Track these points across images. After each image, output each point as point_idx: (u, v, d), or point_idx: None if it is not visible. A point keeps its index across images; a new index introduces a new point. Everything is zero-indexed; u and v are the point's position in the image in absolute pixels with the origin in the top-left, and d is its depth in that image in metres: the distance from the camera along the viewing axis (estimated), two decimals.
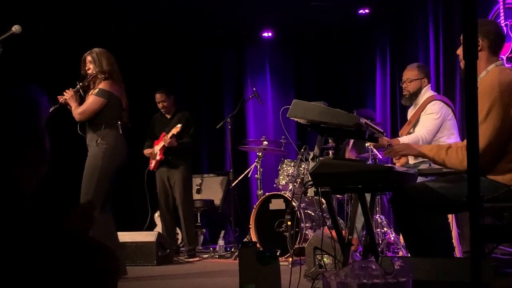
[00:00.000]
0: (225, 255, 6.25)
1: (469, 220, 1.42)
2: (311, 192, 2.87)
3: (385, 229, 5.30)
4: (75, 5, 7.12)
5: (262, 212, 5.80)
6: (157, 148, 6.36)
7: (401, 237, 5.00)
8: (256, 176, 6.32)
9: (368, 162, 4.68)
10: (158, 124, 6.54)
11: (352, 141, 5.79)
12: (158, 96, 6.48)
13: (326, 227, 3.68)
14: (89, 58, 4.61)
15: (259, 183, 6.26)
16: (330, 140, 5.46)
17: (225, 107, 8.52)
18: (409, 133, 4.49)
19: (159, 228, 6.64)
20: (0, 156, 1.18)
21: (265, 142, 6.30)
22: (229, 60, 8.79)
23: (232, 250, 6.17)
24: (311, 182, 2.81)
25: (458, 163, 2.81)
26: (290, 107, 2.87)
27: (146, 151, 6.44)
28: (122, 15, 7.61)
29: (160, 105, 6.51)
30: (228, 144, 6.65)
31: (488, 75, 2.87)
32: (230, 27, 8.30)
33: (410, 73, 4.60)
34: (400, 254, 5.11)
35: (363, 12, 7.79)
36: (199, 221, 7.22)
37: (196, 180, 7.45)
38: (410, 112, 4.64)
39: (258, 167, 6.30)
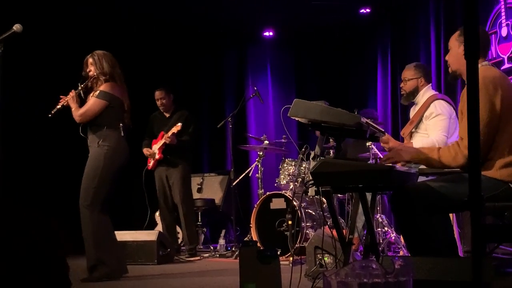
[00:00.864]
0: (226, 254, 6.25)
1: (471, 220, 1.42)
2: (312, 191, 2.86)
3: (385, 228, 5.30)
4: (76, 4, 7.13)
5: (263, 211, 5.81)
6: (156, 147, 6.36)
7: (401, 236, 5.00)
8: (257, 175, 6.32)
9: (369, 162, 4.68)
10: (157, 122, 6.54)
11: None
12: (157, 94, 6.48)
13: (327, 226, 3.68)
14: (90, 60, 4.62)
15: (260, 182, 6.26)
16: (331, 140, 5.46)
17: (226, 106, 8.53)
18: (411, 133, 4.48)
19: (159, 227, 6.64)
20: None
21: (266, 142, 6.30)
22: (230, 59, 8.80)
23: (233, 249, 6.17)
24: (312, 182, 2.81)
25: (451, 159, 2.82)
26: (291, 106, 2.87)
27: (145, 151, 6.43)
28: (123, 14, 7.61)
29: (159, 103, 6.50)
30: (229, 143, 6.65)
31: None
32: (231, 26, 8.30)
33: (407, 73, 4.61)
34: (401, 253, 5.12)
35: (364, 11, 7.79)
36: (200, 220, 7.22)
37: (197, 179, 7.45)
38: (412, 112, 4.64)
39: (259, 166, 6.30)
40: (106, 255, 4.40)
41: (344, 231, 3.11)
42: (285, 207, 5.60)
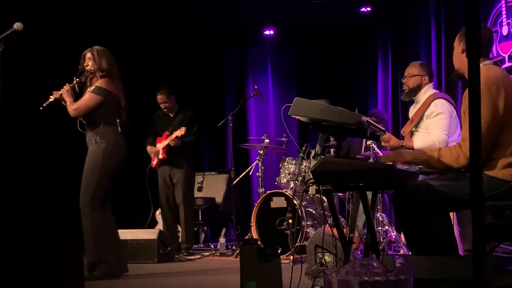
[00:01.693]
0: (226, 253, 6.26)
1: (472, 219, 1.42)
2: (312, 190, 2.86)
3: (386, 227, 5.30)
4: (77, 3, 7.12)
5: (263, 210, 5.81)
6: (160, 146, 6.36)
7: (402, 235, 5.01)
8: (257, 174, 6.32)
9: (369, 160, 4.68)
10: (161, 121, 6.54)
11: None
12: (159, 98, 6.48)
13: (327, 225, 3.68)
14: (88, 55, 4.59)
15: (260, 181, 6.26)
16: (331, 138, 5.46)
17: (226, 105, 8.53)
18: (412, 131, 4.48)
19: (160, 226, 6.65)
20: None
21: (267, 140, 6.30)
22: (231, 58, 8.80)
23: (233, 248, 6.17)
24: (312, 180, 2.81)
25: (453, 160, 2.82)
26: (291, 105, 2.87)
27: (149, 149, 6.44)
28: (124, 13, 7.61)
29: (162, 106, 6.51)
30: (229, 142, 6.65)
31: None
32: (232, 25, 8.29)
33: (412, 69, 4.60)
34: (401, 252, 5.12)
35: (365, 10, 7.78)
36: (200, 219, 7.23)
37: (198, 178, 7.45)
38: (412, 110, 4.64)
39: (260, 165, 6.30)
40: (106, 254, 4.40)
41: (344, 230, 3.11)
42: (286, 205, 5.60)
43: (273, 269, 3.11)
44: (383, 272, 1.94)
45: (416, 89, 4.54)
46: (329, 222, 4.32)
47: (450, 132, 4.33)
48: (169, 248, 5.75)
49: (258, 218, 5.82)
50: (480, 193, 1.40)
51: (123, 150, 4.58)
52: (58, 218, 1.15)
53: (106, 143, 4.46)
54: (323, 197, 3.81)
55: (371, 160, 4.66)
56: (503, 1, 5.66)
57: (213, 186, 7.50)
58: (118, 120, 4.56)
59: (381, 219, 5.29)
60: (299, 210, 5.37)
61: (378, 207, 5.30)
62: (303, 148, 5.35)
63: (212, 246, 6.67)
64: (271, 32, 8.63)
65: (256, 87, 6.67)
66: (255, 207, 5.87)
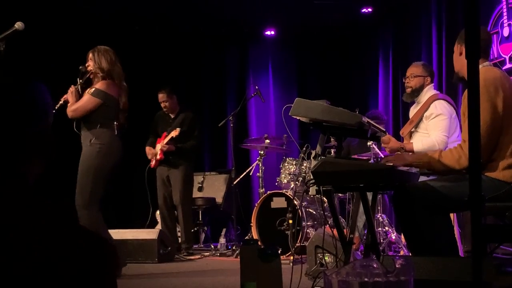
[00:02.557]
0: (227, 253, 6.26)
1: (471, 220, 1.42)
2: (312, 190, 2.86)
3: (386, 228, 5.30)
4: (79, 3, 7.13)
5: (263, 210, 5.81)
6: (158, 147, 6.37)
7: (402, 236, 5.00)
8: (258, 174, 6.32)
9: (370, 161, 4.68)
10: (162, 122, 6.55)
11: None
12: (160, 96, 6.48)
13: (328, 225, 3.68)
14: (90, 55, 4.60)
15: (260, 181, 6.27)
16: (332, 139, 5.46)
17: (227, 105, 8.53)
18: (411, 132, 4.48)
19: (160, 225, 6.65)
20: (9, 145, 1.20)
21: (267, 141, 6.30)
22: (232, 58, 8.80)
23: (234, 248, 6.18)
24: (312, 181, 2.81)
25: (455, 162, 2.82)
26: (292, 105, 2.87)
27: (147, 150, 6.44)
28: (125, 13, 7.61)
29: (162, 105, 6.51)
30: (230, 142, 6.65)
31: None
32: (233, 25, 8.30)
33: (415, 69, 4.59)
34: (402, 253, 5.12)
35: (366, 11, 7.79)
36: (200, 219, 7.23)
37: (198, 178, 7.45)
38: (412, 111, 4.64)
39: (260, 165, 6.30)
40: None
41: (344, 230, 3.11)
42: (286, 206, 5.60)
43: (273, 270, 3.11)
44: (383, 273, 1.94)
45: (419, 90, 4.54)
46: (329, 222, 4.32)
47: (449, 133, 4.33)
48: (169, 248, 5.75)
49: (259, 218, 5.83)
50: (479, 194, 1.41)
51: (117, 152, 4.57)
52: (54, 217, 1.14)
53: (100, 144, 4.45)
54: (324, 198, 3.82)
55: (371, 161, 4.67)
56: (504, 3, 5.65)
57: (213, 186, 7.50)
58: (115, 123, 4.55)
59: (381, 220, 5.29)
60: (299, 211, 5.38)
61: (379, 207, 5.30)
62: (304, 149, 5.35)
63: (212, 246, 6.67)
64: (272, 32, 8.63)
65: (257, 87, 6.67)
66: (255, 207, 5.87)
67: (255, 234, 5.79)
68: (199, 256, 6.15)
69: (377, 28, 8.12)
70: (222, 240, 6.60)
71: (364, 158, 5.22)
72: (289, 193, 5.66)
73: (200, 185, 7.49)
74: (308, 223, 5.53)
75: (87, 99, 4.50)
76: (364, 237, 4.65)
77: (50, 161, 1.30)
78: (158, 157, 6.34)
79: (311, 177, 2.79)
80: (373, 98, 8.14)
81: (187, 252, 6.24)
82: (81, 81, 4.60)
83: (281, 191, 5.77)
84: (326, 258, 4.03)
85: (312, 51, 8.79)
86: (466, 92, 2.65)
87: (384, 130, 3.18)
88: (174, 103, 6.52)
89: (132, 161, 4.81)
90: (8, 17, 4.29)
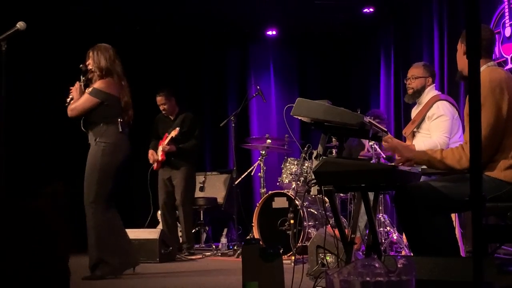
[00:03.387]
0: (228, 253, 6.26)
1: (472, 220, 1.42)
2: (314, 190, 2.87)
3: (388, 228, 5.30)
4: (79, 3, 7.13)
5: (265, 210, 5.81)
6: (160, 149, 6.37)
7: (404, 236, 5.00)
8: (259, 174, 6.32)
9: (371, 161, 4.68)
10: (162, 124, 6.55)
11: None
12: (158, 99, 6.48)
13: (329, 225, 3.68)
14: (90, 53, 4.58)
15: (262, 181, 6.26)
16: (333, 139, 5.46)
17: (228, 105, 8.53)
18: (413, 132, 4.48)
19: (161, 225, 6.65)
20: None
21: (269, 141, 6.30)
22: (233, 58, 8.80)
23: (235, 248, 6.18)
24: (314, 181, 2.81)
25: (455, 162, 2.82)
26: (293, 105, 2.87)
27: (150, 155, 6.44)
28: (127, 13, 7.62)
29: (161, 108, 6.51)
30: (231, 142, 6.65)
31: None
32: (234, 25, 8.30)
33: (416, 70, 4.59)
34: (403, 253, 5.12)
35: (368, 11, 7.78)
36: (202, 219, 7.23)
37: (199, 178, 7.45)
38: (414, 111, 4.64)
39: (262, 165, 6.30)
40: (107, 254, 4.39)
41: (346, 230, 3.11)
42: (287, 206, 5.60)
43: (275, 269, 3.11)
44: (385, 273, 1.94)
45: (420, 91, 4.55)
46: (330, 222, 4.32)
47: (451, 133, 4.33)
48: (171, 248, 5.75)
49: (260, 218, 5.82)
50: (480, 194, 1.41)
51: (124, 149, 4.56)
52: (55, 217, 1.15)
53: (105, 143, 4.45)
54: (325, 198, 3.81)
55: (373, 160, 4.66)
56: (506, 3, 5.65)
57: (215, 186, 7.50)
58: (119, 120, 4.53)
59: (382, 220, 5.29)
60: (300, 211, 5.37)
61: (380, 208, 5.30)
62: (305, 149, 5.35)
63: (214, 246, 6.67)
64: (274, 32, 8.63)
65: (258, 87, 6.68)
66: (256, 207, 5.87)
67: (256, 234, 5.79)
68: (201, 256, 6.15)
69: (379, 28, 8.12)
70: (224, 240, 6.60)
71: (364, 157, 5.22)
72: (291, 193, 5.66)
73: (202, 185, 7.50)
74: (310, 223, 5.53)
75: (85, 99, 4.48)
76: (366, 237, 4.65)
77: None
78: (160, 158, 6.34)
79: (313, 177, 2.80)
80: (374, 98, 8.13)
81: (189, 252, 6.25)
82: (83, 78, 4.59)
83: (282, 191, 5.77)
84: (327, 258, 4.03)
85: (313, 51, 8.79)
86: None
87: (386, 130, 3.18)
88: (172, 105, 6.51)
89: (132, 162, 4.80)
90: (8, 17, 4.30)
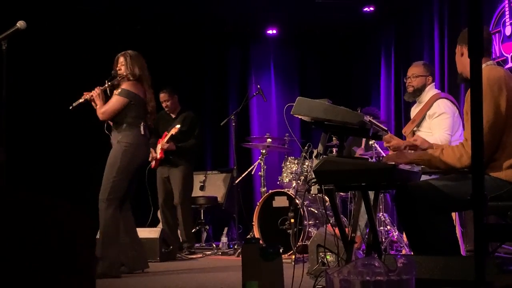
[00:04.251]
0: (228, 252, 6.26)
1: (473, 219, 1.42)
2: (314, 189, 2.86)
3: (388, 227, 5.30)
4: (81, 2, 7.13)
5: (265, 209, 5.81)
6: (159, 147, 6.37)
7: (404, 235, 5.00)
8: (259, 173, 6.32)
9: (371, 160, 4.68)
10: (162, 122, 6.55)
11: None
12: (161, 96, 6.49)
13: (329, 224, 3.68)
14: (121, 59, 4.69)
15: (262, 180, 6.26)
16: (334, 138, 5.45)
17: (229, 104, 8.53)
18: (413, 131, 4.48)
19: (161, 225, 6.65)
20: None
21: (269, 140, 6.30)
22: (234, 57, 8.80)
23: (235, 247, 6.18)
24: (314, 180, 2.81)
25: (456, 160, 2.81)
26: (294, 104, 2.87)
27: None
28: (127, 12, 7.61)
29: (163, 105, 6.52)
30: (232, 141, 6.65)
31: None
32: (235, 24, 8.29)
33: (416, 69, 4.60)
34: (403, 252, 5.12)
35: (368, 10, 7.78)
36: (202, 218, 7.23)
37: (200, 177, 7.45)
38: (414, 110, 4.64)
39: (262, 164, 6.30)
40: (111, 251, 4.44)
41: (346, 229, 3.11)
42: (288, 205, 5.60)
43: (275, 268, 3.11)
44: (385, 272, 1.94)
45: (421, 90, 4.56)
46: (331, 221, 4.32)
47: (452, 131, 4.33)
48: (171, 247, 5.75)
49: (260, 217, 5.82)
50: (482, 193, 1.40)
51: (144, 152, 4.69)
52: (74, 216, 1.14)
53: (127, 143, 4.55)
54: (325, 197, 3.81)
55: (373, 159, 4.66)
56: (506, 2, 5.65)
57: (215, 185, 7.50)
58: (143, 123, 4.66)
59: (383, 219, 5.29)
60: (301, 210, 5.37)
61: (380, 207, 5.30)
62: (306, 148, 5.35)
63: (214, 245, 6.67)
64: (274, 31, 8.63)
65: (259, 86, 6.67)
66: (257, 207, 5.87)
67: (256, 233, 5.79)
68: (201, 255, 6.16)
69: (379, 27, 8.12)
70: (224, 239, 6.60)
71: (365, 156, 5.22)
72: (291, 192, 5.66)
73: (202, 184, 7.50)
74: (310, 222, 5.53)
75: (115, 100, 4.60)
76: (366, 236, 4.65)
77: None
78: (158, 156, 6.34)
79: (313, 176, 2.79)
80: (375, 97, 8.13)
81: (189, 251, 6.25)
82: (109, 83, 4.67)
83: (282, 190, 5.77)
84: (327, 257, 4.03)
85: (314, 50, 8.79)
86: (469, 91, 2.65)
87: (386, 129, 3.18)
88: (175, 103, 6.53)
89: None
90: (9, 16, 4.29)
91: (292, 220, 5.28)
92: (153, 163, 6.43)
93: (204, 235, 7.34)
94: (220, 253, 6.29)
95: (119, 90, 4.61)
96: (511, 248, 4.71)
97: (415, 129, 4.48)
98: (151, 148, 6.45)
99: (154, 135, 6.57)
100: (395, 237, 5.27)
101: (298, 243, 5.29)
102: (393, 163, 2.81)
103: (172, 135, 6.23)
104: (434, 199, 2.80)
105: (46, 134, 6.97)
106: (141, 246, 4.80)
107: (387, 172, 2.67)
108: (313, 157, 2.90)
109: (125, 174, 4.54)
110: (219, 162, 8.27)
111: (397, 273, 1.95)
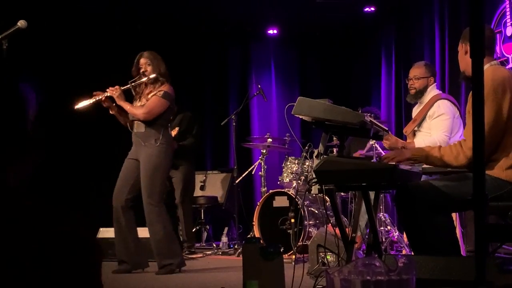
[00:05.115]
0: (229, 251, 6.26)
1: (474, 219, 1.42)
2: (315, 189, 2.86)
3: (388, 227, 5.30)
4: (81, 1, 7.13)
5: (265, 209, 5.81)
6: None
7: (404, 235, 5.00)
8: (260, 173, 6.32)
9: (372, 160, 4.68)
10: None
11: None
12: None
13: (330, 224, 3.68)
14: (144, 60, 4.73)
15: (263, 180, 6.26)
16: (334, 138, 5.45)
17: (229, 104, 8.53)
18: (414, 131, 4.48)
19: None
20: None
21: (270, 139, 6.30)
22: (234, 57, 8.80)
23: (236, 247, 6.18)
24: (315, 180, 2.81)
25: (453, 158, 2.81)
26: (294, 104, 2.87)
27: None
28: (128, 12, 7.61)
29: None
30: (232, 141, 6.65)
31: None
32: (236, 24, 8.30)
33: (418, 71, 4.59)
34: (404, 252, 5.12)
35: (369, 10, 7.78)
36: (202, 218, 7.23)
37: (200, 177, 7.45)
38: (415, 110, 4.64)
39: (262, 164, 6.30)
40: (176, 248, 4.68)
41: (347, 229, 3.11)
42: (288, 205, 5.60)
43: (275, 268, 3.11)
44: (385, 272, 1.94)
45: (423, 91, 4.55)
46: (331, 221, 4.32)
47: (452, 132, 4.33)
48: None
49: (261, 217, 5.82)
50: (483, 193, 1.40)
51: (173, 152, 4.85)
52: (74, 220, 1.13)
53: (166, 144, 4.65)
54: (326, 197, 3.82)
55: (374, 160, 4.66)
56: (507, 2, 5.64)
57: (215, 185, 7.50)
58: (169, 124, 4.89)
59: (383, 219, 5.29)
60: (301, 210, 5.37)
61: (381, 207, 5.30)
62: (306, 148, 5.34)
63: (215, 245, 6.67)
64: (275, 31, 8.62)
65: (259, 86, 6.67)
66: (257, 206, 5.87)
67: (257, 233, 5.79)
68: (201, 255, 6.16)
69: (380, 27, 8.12)
70: (224, 238, 6.60)
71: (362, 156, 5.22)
72: (291, 192, 5.66)
73: (202, 184, 7.49)
74: (310, 222, 5.53)
75: (159, 102, 4.65)
76: (366, 236, 4.65)
77: (40, 159, 1.27)
78: None
79: (313, 176, 2.79)
80: (375, 97, 8.13)
81: (189, 250, 6.25)
82: (132, 84, 4.70)
83: (283, 190, 5.77)
84: (328, 257, 4.03)
85: (314, 50, 8.78)
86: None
87: (387, 129, 3.18)
88: None
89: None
90: (10, 15, 4.29)
91: (293, 220, 5.28)
92: None
93: (205, 235, 7.34)
94: (220, 253, 6.29)
95: (162, 92, 4.65)
96: (511, 249, 4.71)
97: (416, 129, 4.48)
98: None
99: None
100: (396, 237, 5.27)
101: (299, 243, 5.29)
102: (393, 163, 2.82)
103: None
104: (434, 199, 2.80)
105: (46, 133, 6.96)
106: (141, 245, 4.81)
107: (388, 172, 2.67)
108: (314, 157, 2.90)
109: (165, 174, 4.73)
110: (220, 162, 8.27)
111: (397, 273, 1.95)
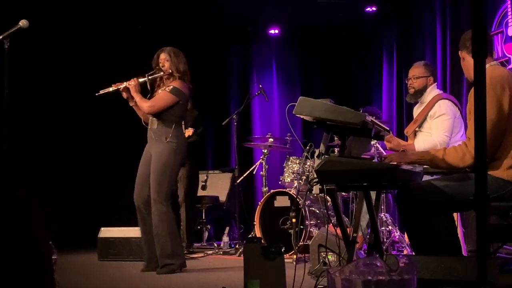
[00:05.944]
0: (230, 251, 6.26)
1: (476, 219, 1.42)
2: (316, 189, 2.86)
3: (390, 227, 5.29)
4: (82, 2, 7.14)
5: (267, 209, 5.81)
6: None
7: (405, 235, 5.00)
8: (261, 173, 6.32)
9: (373, 160, 4.68)
10: None
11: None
12: None
13: (331, 224, 3.68)
14: (164, 55, 4.74)
15: (264, 180, 6.26)
16: (335, 138, 5.45)
17: (231, 104, 8.53)
18: (415, 131, 4.48)
19: None
20: None
21: (271, 139, 6.29)
22: (236, 56, 8.80)
23: (237, 246, 6.18)
24: (316, 180, 2.81)
25: (458, 159, 2.81)
26: (296, 104, 2.87)
27: None
28: (129, 12, 7.62)
29: None
30: (233, 140, 6.66)
31: None
32: (237, 23, 8.30)
33: (417, 70, 4.59)
34: (405, 252, 5.11)
35: (370, 10, 7.78)
36: (203, 217, 7.23)
37: (202, 177, 7.45)
38: (416, 110, 4.63)
39: (264, 164, 6.30)
40: (179, 248, 4.67)
41: (348, 229, 3.11)
42: (289, 205, 5.60)
43: (276, 268, 3.11)
44: (386, 272, 1.94)
45: (422, 91, 4.55)
46: (332, 221, 4.32)
47: (453, 133, 4.33)
48: None
49: (262, 217, 5.82)
50: (485, 193, 1.40)
51: (185, 150, 4.77)
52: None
53: (176, 143, 4.63)
54: (327, 197, 3.82)
55: (375, 160, 4.66)
56: (508, 2, 5.64)
57: (217, 185, 7.50)
58: (183, 122, 4.84)
59: (384, 219, 5.29)
60: (302, 210, 5.37)
61: (382, 207, 5.29)
62: (307, 148, 5.35)
63: (216, 245, 6.67)
64: (276, 31, 8.62)
65: (260, 86, 6.67)
66: (258, 206, 5.87)
67: (258, 233, 5.79)
68: (202, 255, 6.15)
69: (381, 27, 8.11)
70: (225, 238, 6.59)
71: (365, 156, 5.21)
72: (293, 192, 5.65)
73: (204, 184, 7.49)
74: (311, 222, 5.53)
75: (167, 97, 4.64)
76: (368, 236, 4.65)
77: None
78: None
79: (315, 176, 2.79)
80: (377, 97, 8.13)
81: (187, 250, 6.24)
82: (149, 77, 4.70)
83: (284, 190, 5.77)
84: (329, 257, 4.03)
85: (316, 50, 8.78)
86: (472, 90, 2.65)
87: (388, 129, 3.18)
88: None
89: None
90: (12, 15, 4.30)
91: (294, 220, 5.29)
92: None
93: (206, 234, 7.34)
94: (221, 252, 6.28)
95: (170, 87, 4.66)
96: None
97: (417, 129, 4.48)
98: None
99: None
100: (397, 237, 5.27)
101: (300, 243, 5.29)
102: (395, 163, 2.82)
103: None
104: (435, 199, 2.80)
105: (47, 132, 6.97)
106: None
107: (389, 172, 2.67)
108: (315, 157, 2.90)
109: (175, 172, 4.69)
110: (221, 162, 8.27)
111: (398, 273, 1.95)
